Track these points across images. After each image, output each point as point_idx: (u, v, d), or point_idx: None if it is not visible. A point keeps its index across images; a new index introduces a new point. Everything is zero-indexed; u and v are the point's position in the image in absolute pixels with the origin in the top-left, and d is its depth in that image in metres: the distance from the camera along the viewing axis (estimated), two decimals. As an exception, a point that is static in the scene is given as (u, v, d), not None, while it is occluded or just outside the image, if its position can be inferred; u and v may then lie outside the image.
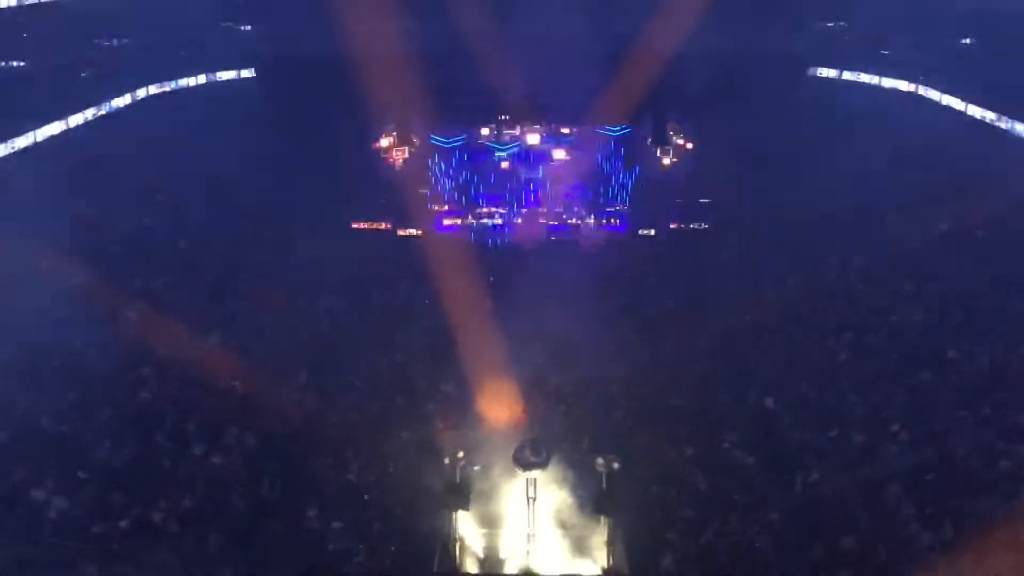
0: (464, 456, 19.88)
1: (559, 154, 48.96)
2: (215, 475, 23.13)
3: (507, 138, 49.65)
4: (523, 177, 47.44)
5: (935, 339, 28.89)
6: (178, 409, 25.40)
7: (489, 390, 26.06)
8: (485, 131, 50.02)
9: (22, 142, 37.62)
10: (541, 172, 47.65)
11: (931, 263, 34.75)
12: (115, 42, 50.71)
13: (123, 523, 20.58)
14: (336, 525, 21.83)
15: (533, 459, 19.04)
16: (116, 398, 25.44)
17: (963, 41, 47.41)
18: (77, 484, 21.61)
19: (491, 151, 49.24)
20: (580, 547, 20.51)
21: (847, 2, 53.00)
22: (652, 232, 41.66)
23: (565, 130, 49.93)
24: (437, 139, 49.36)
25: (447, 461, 19.41)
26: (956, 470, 21.68)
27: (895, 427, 23.91)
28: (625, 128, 48.51)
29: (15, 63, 43.28)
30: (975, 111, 43.38)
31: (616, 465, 19.38)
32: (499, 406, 25.41)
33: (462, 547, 19.63)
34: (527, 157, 48.81)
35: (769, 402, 26.58)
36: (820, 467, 23.16)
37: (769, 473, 23.41)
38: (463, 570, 19.65)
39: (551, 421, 24.74)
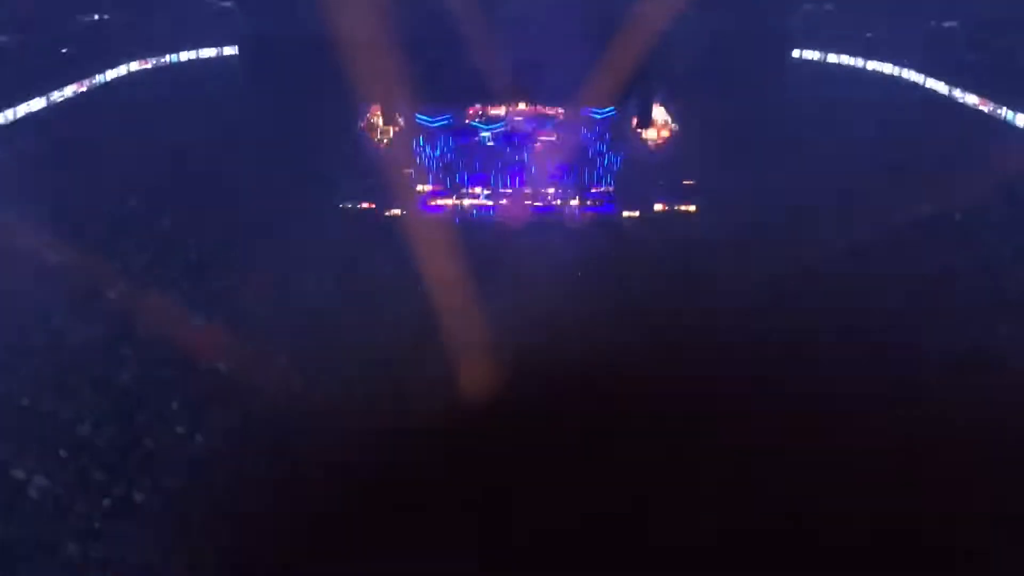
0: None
1: (545, 135, 48.84)
2: (198, 453, 23.17)
3: (493, 118, 49.47)
4: (508, 158, 47.32)
5: (917, 320, 29.05)
6: (160, 389, 25.35)
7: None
8: (471, 111, 49.83)
9: (1, 119, 37.20)
10: (526, 153, 47.54)
11: (914, 245, 34.92)
12: (96, 18, 50.11)
13: (105, 502, 20.58)
14: (317, 504, 21.85)
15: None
16: (97, 377, 25.32)
17: (945, 24, 47.46)
18: (58, 463, 21.57)
19: (477, 131, 49.06)
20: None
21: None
22: (637, 214, 41.67)
23: (551, 111, 49.80)
24: (423, 119, 49.13)
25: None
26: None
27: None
28: (610, 111, 48.42)
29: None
30: (958, 94, 43.53)
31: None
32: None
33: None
34: (512, 137, 48.66)
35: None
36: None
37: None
38: None
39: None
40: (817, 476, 20.91)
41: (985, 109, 41.76)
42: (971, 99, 43.16)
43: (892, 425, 23.08)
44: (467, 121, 49.50)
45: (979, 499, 20.21)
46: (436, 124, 49.04)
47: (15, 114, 37.60)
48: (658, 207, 41.91)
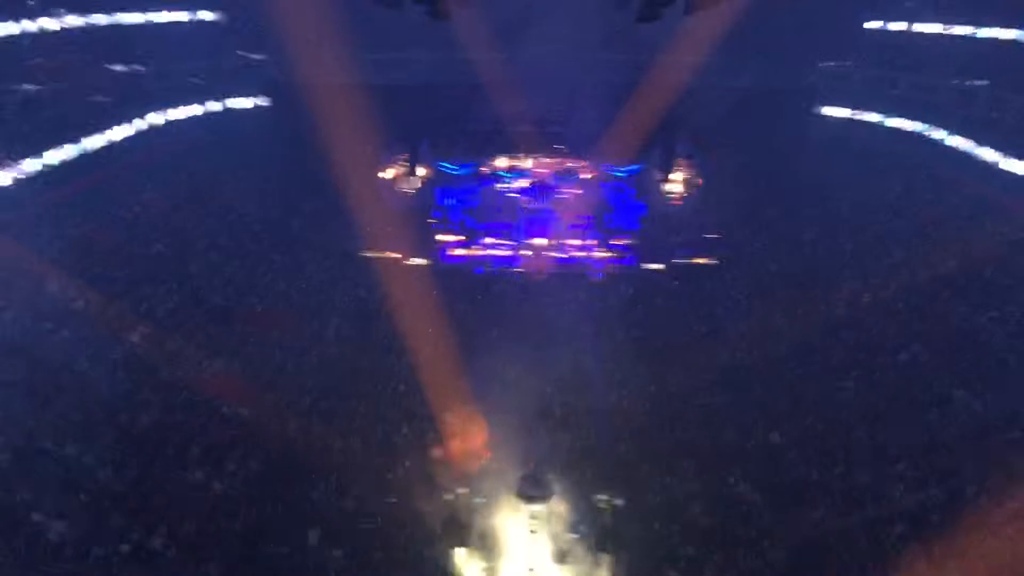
0: (466, 490, 19.76)
1: (568, 188, 49.08)
2: (216, 501, 23.09)
3: (517, 168, 49.79)
4: (531, 208, 47.55)
5: (942, 378, 28.76)
6: (181, 434, 25.39)
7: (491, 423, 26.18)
8: (494, 161, 50.19)
9: (30, 166, 37.76)
10: (549, 204, 47.75)
11: (939, 301, 34.68)
12: (130, 68, 51.08)
13: (124, 547, 20.50)
14: (336, 553, 21.74)
15: (536, 492, 18.90)
16: (118, 422, 25.40)
17: (969, 83, 47.49)
18: (78, 507, 21.56)
19: (499, 180, 49.38)
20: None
21: (855, 41, 53.34)
22: (660, 266, 41.65)
23: (574, 164, 50.11)
24: (445, 166, 49.58)
25: (449, 496, 19.25)
26: (963, 509, 21.48)
27: (901, 465, 23.77)
28: (634, 168, 48.60)
29: (25, 86, 43.53)
30: (981, 152, 43.41)
31: (619, 502, 19.23)
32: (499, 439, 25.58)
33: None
34: (536, 189, 48.93)
35: (775, 437, 26.53)
36: (825, 504, 23.07)
37: (774, 509, 23.30)
38: None
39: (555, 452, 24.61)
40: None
41: (1007, 167, 41.60)
42: (994, 156, 43.04)
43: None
44: (490, 170, 49.82)
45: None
46: (459, 172, 49.44)
47: (45, 161, 38.18)
48: (680, 260, 41.84)
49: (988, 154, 42.27)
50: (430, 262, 41.08)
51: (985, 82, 44.90)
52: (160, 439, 24.90)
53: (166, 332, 30.79)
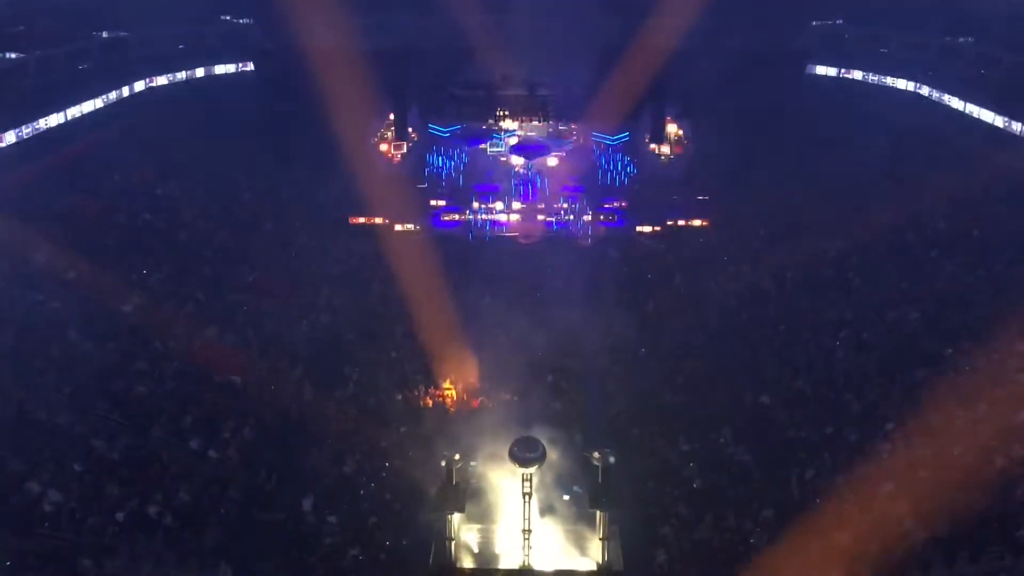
0: (460, 455, 19.86)
1: (558, 151, 48.87)
2: (211, 468, 23.21)
3: (506, 130, 49.54)
4: (521, 172, 47.36)
5: (931, 338, 28.93)
6: (174, 403, 25.43)
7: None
8: (484, 124, 49.89)
9: (14, 136, 37.46)
10: (539, 167, 47.56)
11: (927, 261, 34.83)
12: (113, 34, 50.55)
13: (119, 515, 20.60)
14: (331, 519, 21.90)
15: (529, 455, 19.00)
16: (111, 391, 25.41)
17: (962, 40, 47.46)
18: (72, 476, 21.63)
19: (489, 136, 49.10)
20: (575, 542, 20.54)
21: (845, 0, 53.14)
22: (650, 229, 41.58)
23: (564, 128, 49.86)
24: (435, 128, 49.30)
25: (443, 462, 19.34)
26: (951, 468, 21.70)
27: (890, 425, 23.97)
28: (624, 135, 48.36)
29: (12, 55, 43.10)
30: (972, 109, 43.41)
31: (612, 459, 19.36)
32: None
33: (458, 543, 19.63)
34: (525, 148, 48.63)
35: (765, 399, 26.73)
36: (815, 464, 23.30)
37: (764, 470, 23.55)
38: (459, 566, 19.66)
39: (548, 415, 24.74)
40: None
41: (1000, 124, 41.65)
42: (986, 114, 43.05)
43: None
44: (481, 134, 49.56)
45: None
46: (449, 133, 49.22)
47: (34, 129, 37.89)
48: (671, 222, 41.78)
49: (976, 111, 42.30)
50: (421, 227, 40.89)
51: (971, 39, 44.85)
52: (153, 408, 24.94)
53: (157, 302, 30.71)
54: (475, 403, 26.87)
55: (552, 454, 19.87)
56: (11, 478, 20.99)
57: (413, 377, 28.11)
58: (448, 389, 27.55)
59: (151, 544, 19.81)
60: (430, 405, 27.06)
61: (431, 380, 27.88)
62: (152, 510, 20.97)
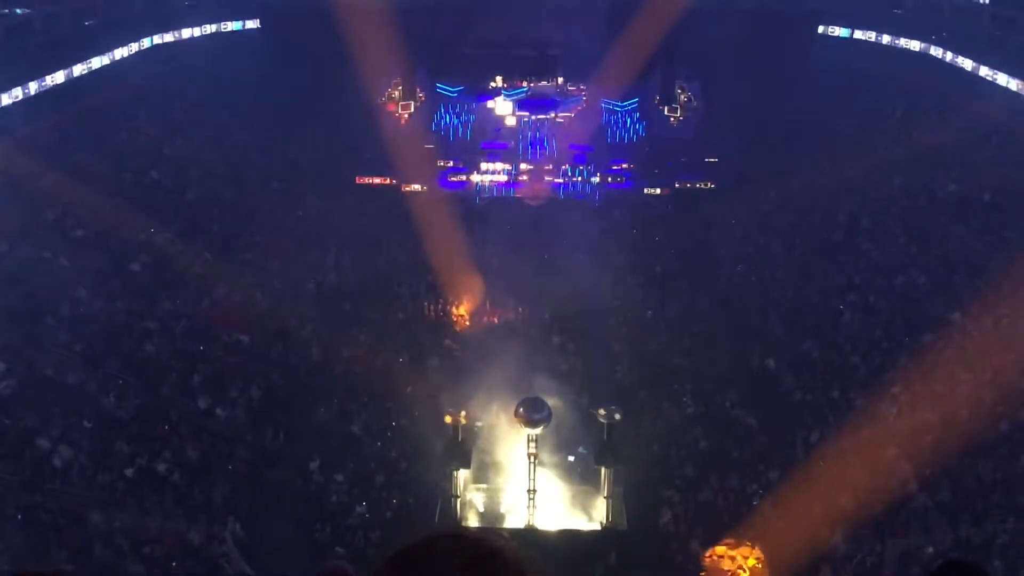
0: (466, 414, 20.00)
1: (566, 111, 48.40)
2: (219, 427, 23.42)
3: (515, 86, 49.00)
4: (529, 133, 47.00)
5: (939, 301, 28.84)
6: (183, 362, 25.58)
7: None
8: (492, 83, 49.36)
9: (21, 93, 37.22)
10: (547, 128, 47.17)
11: (937, 225, 34.59)
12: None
13: (128, 472, 20.82)
14: (338, 477, 22.12)
15: (535, 416, 19.13)
16: (120, 350, 25.54)
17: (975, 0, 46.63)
18: (82, 434, 21.82)
19: (499, 93, 48.58)
20: (580, 503, 20.73)
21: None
22: (658, 191, 41.38)
23: (572, 87, 49.32)
24: (443, 88, 48.83)
25: (448, 420, 19.49)
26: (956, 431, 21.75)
27: (896, 388, 23.98)
28: (633, 101, 47.78)
29: (17, 10, 42.69)
30: (985, 71, 42.76)
31: (617, 416, 19.48)
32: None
33: (463, 503, 19.84)
34: (534, 104, 48.10)
35: (771, 362, 26.77)
36: (820, 427, 23.38)
37: (769, 432, 23.65)
38: (464, 524, 19.90)
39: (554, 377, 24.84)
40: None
41: (1014, 87, 41.02)
42: (1000, 76, 42.41)
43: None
44: (489, 93, 49.03)
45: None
46: (456, 93, 48.73)
47: (39, 86, 37.63)
48: (679, 184, 41.54)
49: (991, 74, 41.61)
50: (429, 188, 40.74)
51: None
52: (162, 367, 25.09)
53: (165, 260, 30.73)
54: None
55: (557, 415, 19.99)
56: (22, 434, 21.19)
57: (420, 338, 28.22)
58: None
59: (160, 500, 20.05)
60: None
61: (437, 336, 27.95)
62: (161, 467, 21.21)
